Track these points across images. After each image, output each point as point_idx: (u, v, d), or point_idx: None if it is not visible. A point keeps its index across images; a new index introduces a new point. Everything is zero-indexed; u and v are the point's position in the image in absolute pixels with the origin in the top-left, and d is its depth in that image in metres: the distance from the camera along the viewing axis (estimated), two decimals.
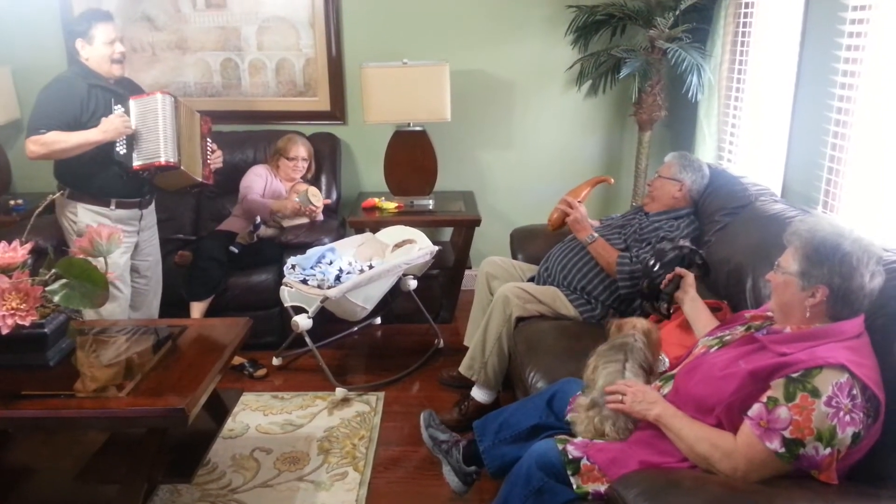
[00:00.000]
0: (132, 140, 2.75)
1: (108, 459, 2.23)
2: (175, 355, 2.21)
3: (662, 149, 3.89)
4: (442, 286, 3.80)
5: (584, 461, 1.73)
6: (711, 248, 2.59)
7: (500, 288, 2.74)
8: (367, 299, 3.10)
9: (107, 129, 2.67)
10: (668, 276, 2.23)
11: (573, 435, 1.90)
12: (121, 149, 2.74)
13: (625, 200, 3.99)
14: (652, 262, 2.34)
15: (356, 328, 3.62)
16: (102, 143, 2.69)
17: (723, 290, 2.42)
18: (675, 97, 3.71)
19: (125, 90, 2.84)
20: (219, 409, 2.56)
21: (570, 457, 1.75)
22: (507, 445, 2.08)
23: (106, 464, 2.21)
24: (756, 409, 1.56)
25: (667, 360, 2.24)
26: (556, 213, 2.87)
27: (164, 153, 2.75)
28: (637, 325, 2.03)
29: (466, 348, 2.94)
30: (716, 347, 1.80)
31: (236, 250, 3.41)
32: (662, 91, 3.67)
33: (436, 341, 3.53)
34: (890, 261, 1.73)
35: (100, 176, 2.78)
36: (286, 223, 3.52)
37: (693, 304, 2.17)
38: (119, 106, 2.75)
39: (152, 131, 2.75)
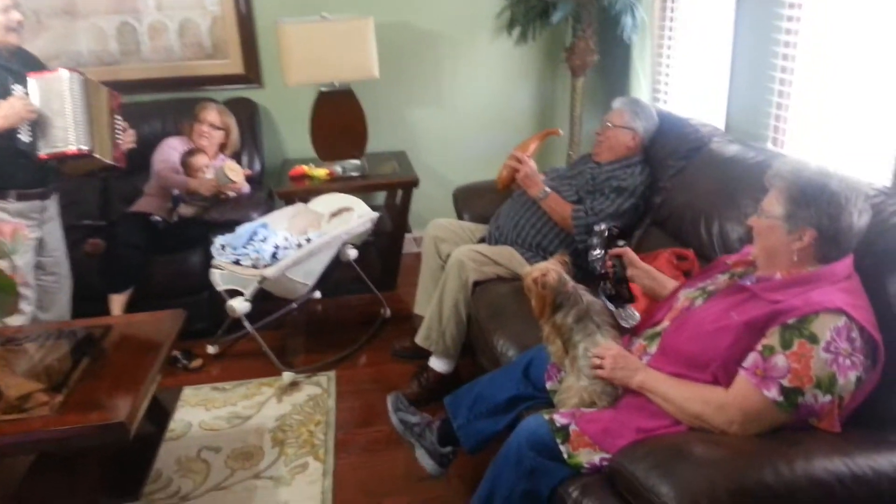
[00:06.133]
0: (36, 125, 2.41)
1: (41, 482, 1.96)
2: (103, 360, 1.96)
3: (596, 94, 3.81)
4: (381, 252, 3.62)
5: (573, 427, 1.63)
6: (669, 195, 2.52)
7: (454, 252, 2.59)
8: (307, 275, 2.89)
9: (6, 114, 2.32)
10: (608, 263, 2.00)
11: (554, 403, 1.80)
12: (24, 136, 2.39)
13: (561, 149, 3.88)
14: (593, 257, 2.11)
15: (295, 304, 3.39)
16: (1, 131, 2.33)
17: (687, 237, 2.35)
18: (606, 40, 3.59)
19: (21, 65, 2.47)
20: (158, 412, 2.33)
21: (558, 425, 1.64)
22: (483, 420, 1.96)
23: (39, 487, 1.94)
24: (751, 358, 1.49)
25: (637, 315, 2.16)
26: (506, 171, 2.73)
27: (77, 140, 2.43)
28: (549, 268, 1.87)
29: (415, 316, 2.80)
30: (700, 300, 1.72)
31: (159, 219, 3.12)
32: (594, 35, 3.55)
33: (382, 311, 3.37)
34: (875, 197, 1.67)
35: None
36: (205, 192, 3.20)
37: (648, 275, 1.99)
38: (18, 86, 2.39)
39: (60, 115, 2.42)
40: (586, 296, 1.84)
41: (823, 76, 2.32)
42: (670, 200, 2.49)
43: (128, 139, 2.74)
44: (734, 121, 2.79)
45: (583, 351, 1.75)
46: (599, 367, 1.69)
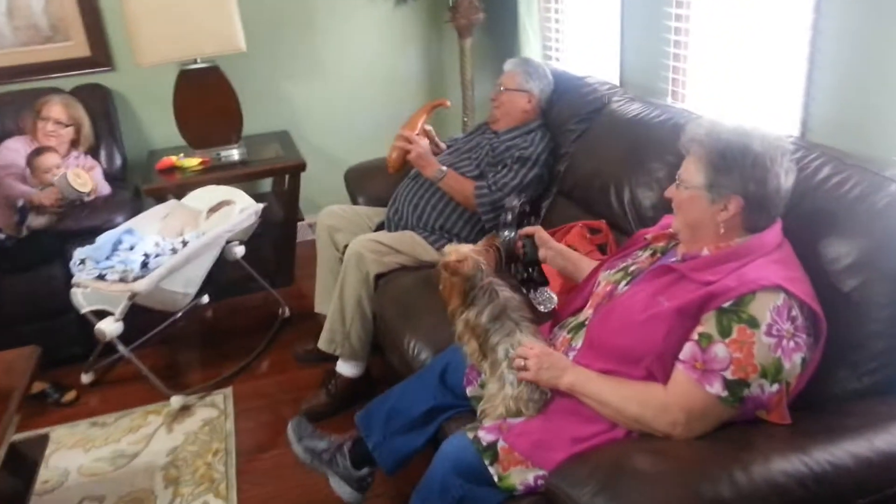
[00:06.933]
0: None
1: None
2: None
3: (486, 56, 3.62)
4: (274, 245, 3.32)
5: (501, 443, 1.45)
6: (573, 162, 2.36)
7: (351, 244, 2.35)
8: (188, 283, 2.57)
9: None
10: (518, 243, 1.83)
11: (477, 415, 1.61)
12: None
13: (456, 116, 3.67)
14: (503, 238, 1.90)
15: (179, 314, 3.04)
16: None
17: (597, 207, 2.19)
18: None
19: None
20: (22, 465, 2.00)
21: (485, 443, 1.45)
22: (400, 436, 1.76)
23: None
24: (688, 349, 1.34)
25: (554, 297, 2.00)
26: (395, 152, 2.50)
27: None
28: (467, 255, 1.64)
29: (317, 314, 2.56)
30: (624, 283, 1.56)
31: (2, 236, 2.71)
32: None
33: (280, 311, 3.08)
34: (796, 152, 1.55)
35: None
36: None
37: (561, 255, 1.82)
38: None
39: None
40: (504, 291, 1.63)
41: (721, 23, 2.20)
42: (575, 168, 2.33)
43: None
44: (629, 76, 2.66)
45: (503, 354, 1.56)
46: (524, 368, 1.51)
